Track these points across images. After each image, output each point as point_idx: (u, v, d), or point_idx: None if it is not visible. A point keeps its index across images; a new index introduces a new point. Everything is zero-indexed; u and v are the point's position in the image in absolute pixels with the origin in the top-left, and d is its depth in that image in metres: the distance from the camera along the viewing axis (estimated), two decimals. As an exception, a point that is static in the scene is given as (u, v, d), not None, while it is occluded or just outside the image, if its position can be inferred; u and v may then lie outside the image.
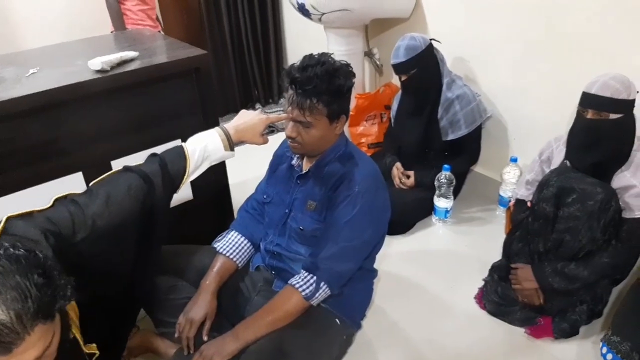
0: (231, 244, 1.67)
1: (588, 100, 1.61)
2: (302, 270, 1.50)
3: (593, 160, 1.64)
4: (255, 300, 1.62)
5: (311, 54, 1.43)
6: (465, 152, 2.37)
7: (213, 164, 1.50)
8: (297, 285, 1.47)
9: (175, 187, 1.42)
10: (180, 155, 1.43)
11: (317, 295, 1.47)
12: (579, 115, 1.66)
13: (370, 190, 1.49)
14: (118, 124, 1.77)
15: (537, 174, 1.89)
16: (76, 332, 1.10)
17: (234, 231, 1.71)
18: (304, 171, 1.57)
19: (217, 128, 1.50)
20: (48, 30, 3.22)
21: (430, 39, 2.26)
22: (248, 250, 1.70)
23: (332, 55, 1.45)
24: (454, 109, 2.27)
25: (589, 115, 1.61)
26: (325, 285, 1.47)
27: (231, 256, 1.65)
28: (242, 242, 1.69)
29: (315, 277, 1.46)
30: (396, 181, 2.43)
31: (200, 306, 1.54)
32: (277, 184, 1.66)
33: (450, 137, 2.31)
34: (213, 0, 3.47)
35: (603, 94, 1.57)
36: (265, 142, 1.56)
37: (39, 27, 3.27)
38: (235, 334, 1.45)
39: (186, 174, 1.42)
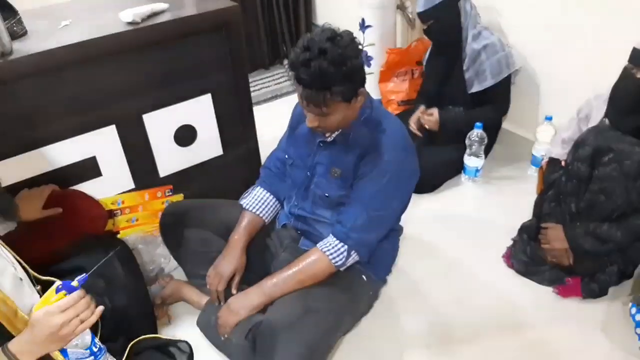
0: (257, 201, 1.68)
1: None
2: (332, 236, 1.49)
3: (638, 122, 1.56)
4: (282, 257, 1.64)
5: (311, 38, 1.29)
6: (490, 102, 2.29)
7: None
8: (328, 253, 1.47)
9: None
10: None
11: (347, 263, 1.49)
12: (628, 74, 1.56)
13: (399, 159, 1.46)
14: (148, 77, 1.78)
15: (574, 132, 1.83)
16: None
17: (259, 187, 1.72)
18: (327, 137, 1.51)
19: None
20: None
21: None
22: (274, 206, 1.71)
23: (329, 27, 1.32)
24: (480, 59, 2.21)
25: None
26: (355, 254, 1.48)
27: (258, 212, 1.67)
28: (267, 197, 1.70)
29: (346, 247, 1.46)
30: (413, 125, 2.37)
31: (230, 261, 1.58)
32: (298, 145, 1.62)
33: (476, 88, 2.25)
34: (241, -48, 3.39)
35: None
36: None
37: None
38: (262, 290, 1.48)
39: None
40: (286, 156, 1.67)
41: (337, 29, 1.32)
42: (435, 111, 2.32)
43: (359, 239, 1.47)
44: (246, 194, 1.72)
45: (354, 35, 1.34)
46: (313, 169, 1.57)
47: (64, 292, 1.05)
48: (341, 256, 1.46)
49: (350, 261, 1.49)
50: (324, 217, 1.59)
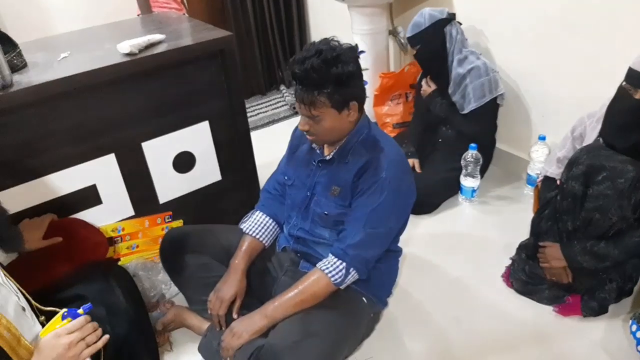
0: (256, 224, 1.70)
1: (637, 79, 1.51)
2: (331, 255, 1.51)
3: (635, 140, 1.57)
4: (282, 280, 1.65)
5: (312, 42, 1.39)
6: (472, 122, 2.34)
7: None
8: (327, 271, 1.48)
9: None
10: None
11: (346, 281, 1.49)
12: (624, 94, 1.56)
13: (397, 176, 1.48)
14: (147, 106, 1.81)
15: (569, 150, 1.85)
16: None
17: (258, 211, 1.73)
18: (326, 156, 1.56)
19: None
20: (75, 15, 3.26)
21: (449, 14, 2.27)
22: (273, 229, 1.72)
23: (334, 40, 1.39)
24: (465, 83, 2.28)
25: (638, 95, 1.52)
26: (354, 271, 1.49)
27: (257, 236, 1.68)
28: (267, 221, 1.71)
29: (344, 264, 1.47)
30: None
31: (231, 285, 1.58)
32: (298, 166, 1.65)
33: (465, 111, 2.32)
34: (236, -18, 3.47)
35: None
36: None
37: (66, 12, 3.32)
38: (264, 313, 1.49)
39: None
40: (285, 177, 1.69)
41: (340, 42, 1.40)
42: (431, 87, 2.42)
43: (356, 256, 1.48)
44: (246, 218, 1.74)
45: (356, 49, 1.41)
46: (313, 188, 1.59)
47: (69, 318, 1.08)
48: (340, 274, 1.47)
49: (350, 279, 1.50)
50: (323, 238, 1.60)
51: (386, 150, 1.50)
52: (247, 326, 1.47)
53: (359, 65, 1.41)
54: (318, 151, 1.58)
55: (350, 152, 1.51)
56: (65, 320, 1.09)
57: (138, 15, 2.90)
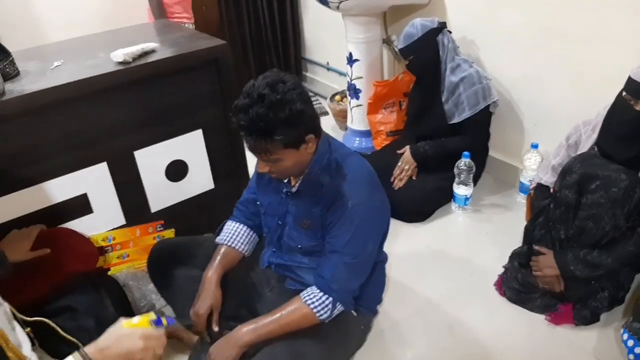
0: (230, 233, 1.63)
1: (638, 90, 1.50)
2: (315, 288, 1.45)
3: (635, 152, 1.56)
4: (268, 297, 1.62)
5: (253, 84, 1.28)
6: (466, 133, 2.35)
7: None
8: (312, 307, 1.41)
9: None
10: None
11: (332, 315, 1.45)
12: (625, 105, 1.54)
13: (365, 200, 1.43)
14: (140, 114, 1.80)
15: (563, 158, 1.84)
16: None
17: (230, 221, 1.68)
18: (292, 186, 1.49)
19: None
20: (70, 23, 3.25)
21: (439, 23, 2.28)
22: (250, 237, 1.66)
23: (277, 74, 1.30)
24: (458, 91, 2.29)
25: (639, 106, 1.51)
26: (341, 305, 1.45)
27: (232, 244, 1.62)
28: (241, 229, 1.65)
29: (330, 299, 1.42)
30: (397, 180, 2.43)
31: (205, 299, 1.51)
32: (268, 193, 1.59)
33: (456, 119, 2.32)
34: (232, -8, 3.48)
35: None
36: None
37: (59, 20, 3.31)
38: (240, 339, 1.41)
39: None
40: (258, 202, 1.63)
41: (282, 75, 1.31)
42: (406, 155, 2.41)
43: (340, 289, 1.43)
44: (218, 231, 1.69)
45: (299, 80, 1.34)
46: (284, 217, 1.54)
47: (154, 325, 1.13)
48: (326, 309, 1.42)
49: (336, 312, 1.46)
50: (303, 263, 1.56)
51: (349, 175, 1.43)
52: (224, 353, 1.41)
53: (305, 97, 1.32)
54: (285, 181, 1.52)
55: (315, 182, 1.44)
56: (150, 325, 1.12)
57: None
